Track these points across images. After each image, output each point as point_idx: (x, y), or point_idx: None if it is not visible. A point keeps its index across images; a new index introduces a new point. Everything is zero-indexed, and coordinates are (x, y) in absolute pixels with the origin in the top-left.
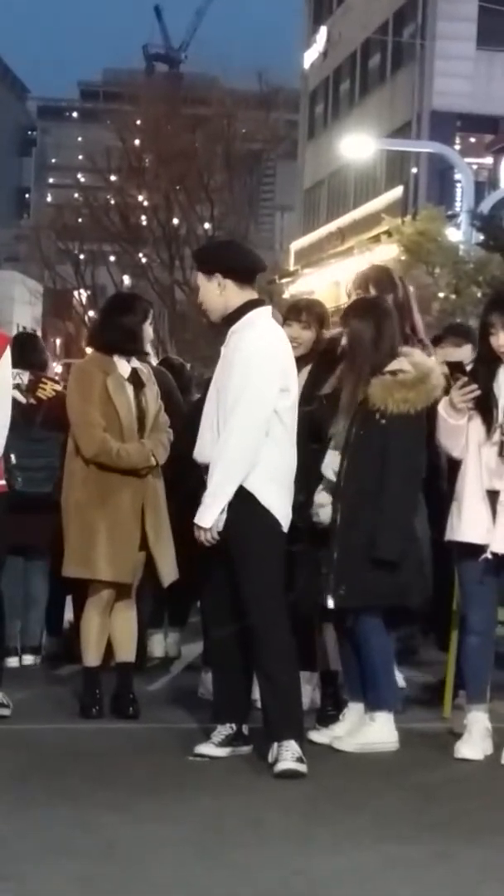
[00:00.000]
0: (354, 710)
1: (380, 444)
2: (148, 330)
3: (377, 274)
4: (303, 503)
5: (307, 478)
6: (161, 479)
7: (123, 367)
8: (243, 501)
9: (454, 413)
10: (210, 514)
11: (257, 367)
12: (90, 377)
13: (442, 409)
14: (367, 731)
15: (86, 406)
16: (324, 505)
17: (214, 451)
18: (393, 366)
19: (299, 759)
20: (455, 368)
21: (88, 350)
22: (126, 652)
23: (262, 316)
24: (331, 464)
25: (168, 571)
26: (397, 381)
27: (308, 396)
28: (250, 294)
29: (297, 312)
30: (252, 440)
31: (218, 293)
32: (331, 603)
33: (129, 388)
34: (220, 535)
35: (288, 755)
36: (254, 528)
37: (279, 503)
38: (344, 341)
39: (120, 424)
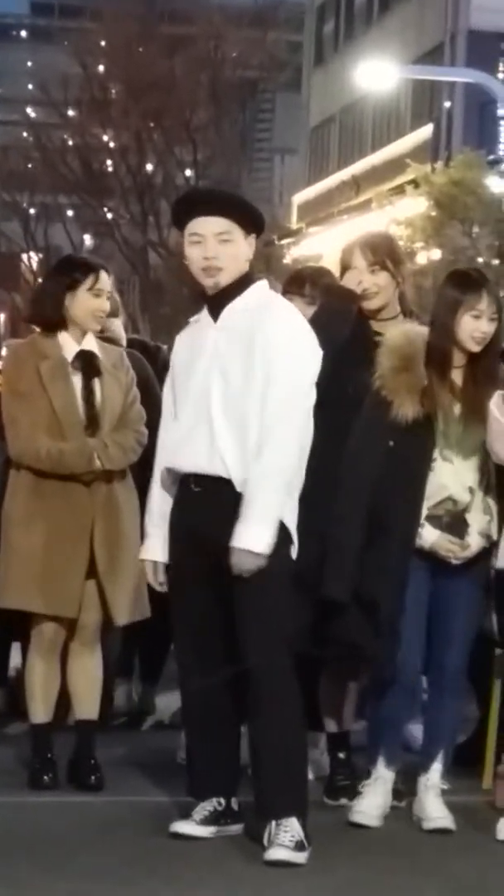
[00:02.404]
0: (384, 778)
1: None
2: (95, 301)
3: (392, 244)
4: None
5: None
6: (129, 487)
7: (70, 348)
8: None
9: None
10: (268, 537)
11: (301, 361)
12: (20, 362)
13: (495, 406)
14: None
15: (10, 397)
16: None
17: (257, 460)
18: None
19: (299, 845)
20: None
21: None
22: (86, 707)
23: (269, 291)
24: (461, 480)
25: (123, 608)
26: None
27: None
28: None
29: (300, 284)
30: (298, 445)
31: (246, 259)
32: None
33: (76, 376)
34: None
35: (286, 838)
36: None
37: (294, 521)
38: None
39: (57, 420)
